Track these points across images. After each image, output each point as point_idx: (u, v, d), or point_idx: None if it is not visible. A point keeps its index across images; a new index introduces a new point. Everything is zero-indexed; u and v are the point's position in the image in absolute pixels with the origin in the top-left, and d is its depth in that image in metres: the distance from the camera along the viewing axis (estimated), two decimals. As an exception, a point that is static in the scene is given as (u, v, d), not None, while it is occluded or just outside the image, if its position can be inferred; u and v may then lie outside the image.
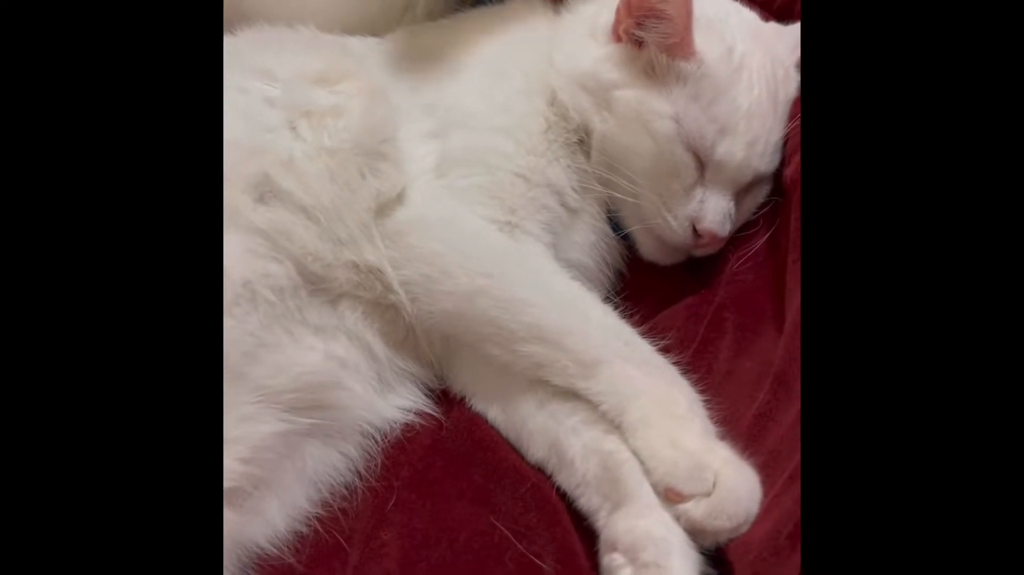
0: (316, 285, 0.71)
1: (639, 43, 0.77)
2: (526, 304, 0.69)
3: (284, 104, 0.75)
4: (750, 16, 0.84)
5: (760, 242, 0.77)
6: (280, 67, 0.77)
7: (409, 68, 0.82)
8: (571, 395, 0.68)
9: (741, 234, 0.80)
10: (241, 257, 0.67)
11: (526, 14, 0.84)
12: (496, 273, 0.70)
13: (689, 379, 0.67)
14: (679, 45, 0.75)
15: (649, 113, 0.75)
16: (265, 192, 0.70)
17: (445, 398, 0.76)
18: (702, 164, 0.75)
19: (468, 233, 0.73)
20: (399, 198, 0.75)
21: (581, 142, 0.79)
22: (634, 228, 0.79)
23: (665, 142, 0.74)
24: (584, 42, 0.79)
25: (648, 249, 0.80)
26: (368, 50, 0.83)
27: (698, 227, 0.76)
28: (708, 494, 0.60)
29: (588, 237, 0.80)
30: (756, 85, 0.76)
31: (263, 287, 0.67)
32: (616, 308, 0.79)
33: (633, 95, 0.75)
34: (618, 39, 0.78)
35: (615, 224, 0.81)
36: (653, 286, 0.82)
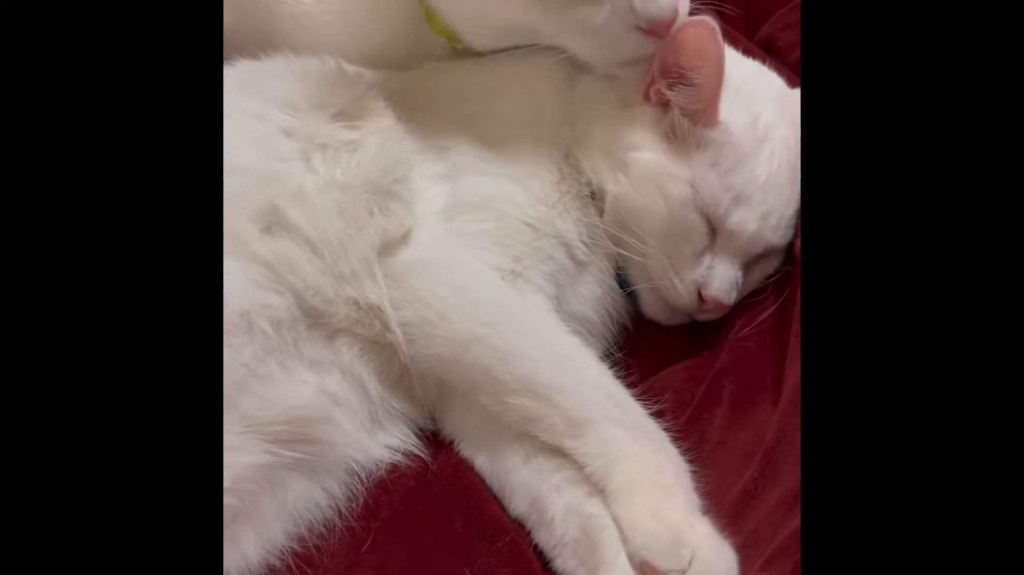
0: (315, 319, 0.71)
1: (664, 105, 0.77)
2: (521, 356, 0.69)
3: (301, 135, 0.76)
4: (777, 83, 0.83)
5: (767, 312, 0.76)
6: (301, 98, 0.78)
7: (427, 109, 0.83)
8: (558, 452, 0.67)
9: (749, 300, 0.79)
10: (242, 287, 0.67)
11: (547, 66, 0.83)
12: (494, 322, 0.70)
13: (680, 446, 0.67)
14: (705, 112, 0.75)
15: (666, 176, 0.74)
16: (273, 223, 0.70)
17: (435, 439, 0.76)
18: (714, 231, 0.75)
19: (471, 279, 0.73)
20: (405, 238, 0.75)
21: (593, 196, 0.79)
22: (640, 287, 0.78)
23: (679, 206, 0.74)
24: (604, 102, 0.79)
25: (651, 308, 0.80)
26: (389, 87, 0.84)
27: (703, 293, 0.75)
28: (683, 571, 0.59)
29: (594, 291, 0.80)
30: (777, 157, 0.76)
31: (261, 319, 0.67)
32: (616, 363, 0.79)
33: (651, 157, 0.75)
34: (646, 98, 0.78)
35: (622, 280, 0.81)
36: (655, 343, 0.81)
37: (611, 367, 0.79)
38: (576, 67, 0.80)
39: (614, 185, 0.77)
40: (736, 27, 1.05)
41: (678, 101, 0.75)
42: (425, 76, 0.87)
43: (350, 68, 0.85)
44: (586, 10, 0.73)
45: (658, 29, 0.74)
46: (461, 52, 0.87)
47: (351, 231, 0.72)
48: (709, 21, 0.74)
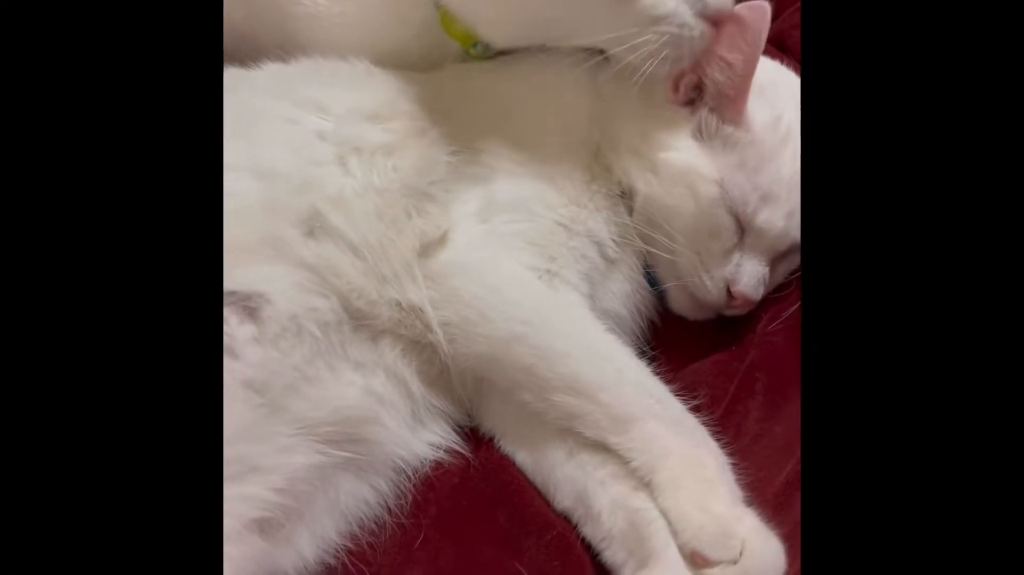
0: (359, 321, 0.72)
1: (691, 103, 0.79)
2: (562, 355, 0.70)
3: (335, 139, 0.77)
4: (797, 82, 0.85)
5: (793, 308, 0.79)
6: (333, 101, 0.79)
7: (457, 112, 0.84)
8: (601, 447, 0.69)
9: (773, 295, 0.82)
10: (289, 291, 0.68)
11: (571, 68, 0.84)
12: (534, 321, 0.72)
13: (718, 440, 0.69)
14: (732, 103, 0.77)
15: (695, 176, 0.76)
16: (315, 227, 0.72)
17: (474, 436, 0.78)
18: (742, 229, 0.77)
19: (508, 279, 0.75)
20: (442, 240, 0.76)
21: (623, 195, 0.81)
22: (669, 285, 0.80)
23: (708, 205, 0.76)
24: (630, 101, 0.81)
25: (680, 304, 0.82)
26: (420, 88, 0.85)
27: (732, 289, 0.78)
28: (735, 562, 0.61)
29: (624, 287, 0.82)
30: (799, 155, 0.78)
31: (309, 322, 0.69)
32: (647, 359, 0.81)
33: (679, 157, 0.77)
34: (675, 90, 0.79)
35: (650, 277, 0.83)
36: (684, 338, 0.83)
37: (643, 362, 0.82)
38: (598, 67, 0.81)
39: (644, 185, 0.79)
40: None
41: (711, 88, 0.77)
42: (451, 79, 0.88)
43: (377, 69, 0.86)
44: (639, 6, 0.72)
45: (719, 19, 0.75)
46: (474, 57, 0.88)
47: (391, 234, 0.74)
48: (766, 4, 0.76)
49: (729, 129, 0.77)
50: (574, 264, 0.78)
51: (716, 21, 0.75)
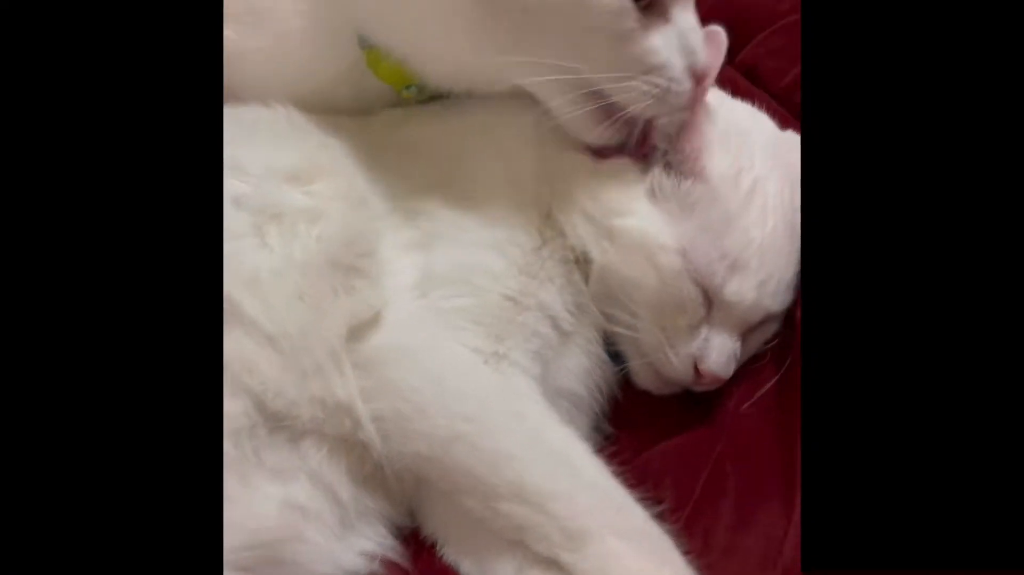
0: (277, 423, 0.63)
1: (644, 158, 0.71)
2: (509, 458, 0.62)
3: (252, 205, 0.67)
4: (769, 129, 0.77)
5: (767, 386, 0.71)
6: (250, 159, 0.70)
7: (391, 166, 0.75)
8: (553, 564, 0.62)
9: (747, 367, 0.74)
10: (193, 396, 0.60)
11: (517, 116, 0.75)
12: (478, 417, 0.64)
13: (684, 550, 0.61)
14: (687, 159, 0.69)
15: (653, 246, 0.68)
16: (226, 316, 0.63)
17: (415, 539, 0.69)
18: (710, 301, 0.69)
19: (450, 366, 0.66)
20: (374, 320, 0.67)
21: (578, 261, 0.73)
22: (631, 361, 0.72)
23: (671, 278, 0.68)
24: (579, 156, 0.72)
25: (644, 380, 0.74)
26: (348, 139, 0.76)
27: (700, 367, 0.70)
28: None
29: (581, 363, 0.73)
30: (771, 214, 0.70)
31: (216, 431, 0.60)
32: (606, 437, 0.74)
33: (636, 225, 0.69)
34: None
35: (611, 351, 0.75)
36: (648, 416, 0.75)
37: (602, 441, 0.74)
38: (544, 118, 0.71)
39: (600, 255, 0.71)
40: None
41: (659, 142, 0.70)
42: (383, 127, 0.79)
43: (300, 117, 0.76)
44: (655, 44, 0.66)
45: (701, 77, 0.70)
46: (407, 100, 0.79)
47: (314, 318, 0.65)
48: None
49: (687, 185, 0.69)
50: (524, 343, 0.69)
51: (700, 77, 0.69)
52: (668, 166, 0.70)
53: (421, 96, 0.78)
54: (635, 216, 0.69)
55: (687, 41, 0.68)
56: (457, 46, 0.70)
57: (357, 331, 0.66)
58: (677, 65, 0.67)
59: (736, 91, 0.84)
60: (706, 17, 1.00)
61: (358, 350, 0.66)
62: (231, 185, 0.68)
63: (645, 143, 0.71)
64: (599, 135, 0.70)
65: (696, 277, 0.68)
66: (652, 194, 0.70)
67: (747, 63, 0.96)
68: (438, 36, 0.70)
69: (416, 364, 0.66)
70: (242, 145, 0.71)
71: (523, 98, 0.72)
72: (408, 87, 0.77)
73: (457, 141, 0.76)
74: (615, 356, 0.74)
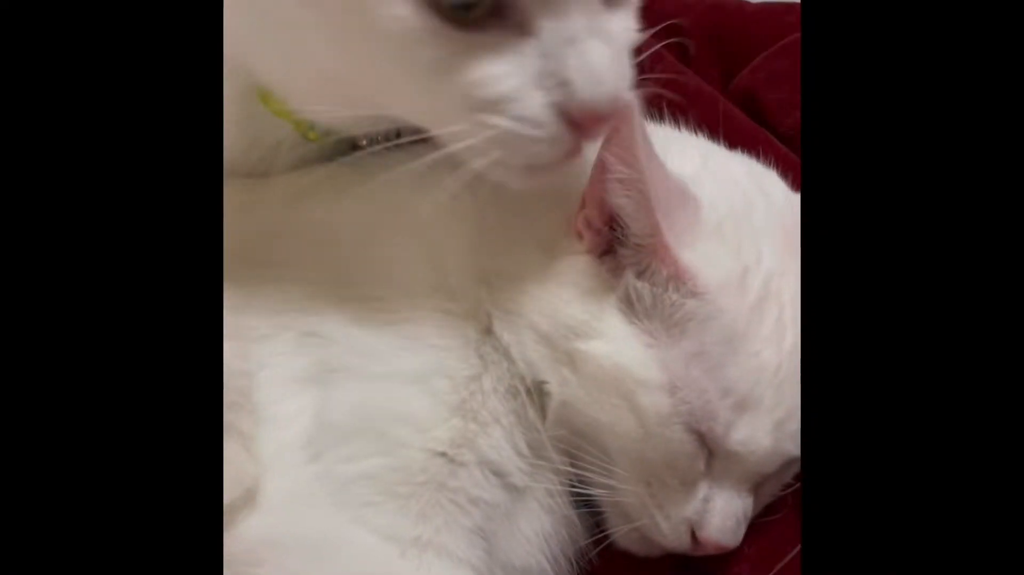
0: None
1: (609, 253, 0.52)
2: None
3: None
4: (775, 194, 0.58)
5: (789, 556, 0.53)
6: None
7: (278, 262, 0.56)
8: None
9: (760, 519, 0.56)
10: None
11: (444, 186, 0.56)
12: None
13: None
14: (660, 262, 0.50)
15: (630, 382, 0.49)
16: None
17: None
18: (710, 451, 0.51)
19: (348, 570, 0.48)
20: (248, 498, 0.49)
21: (530, 392, 0.54)
22: (612, 528, 0.54)
23: (656, 423, 0.49)
24: (530, 250, 0.54)
25: (626, 543, 0.55)
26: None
27: (699, 535, 0.51)
28: None
29: (538, 525, 0.54)
30: (789, 327, 0.51)
31: None
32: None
33: (606, 351, 0.50)
34: (576, 234, 0.53)
35: (576, 496, 0.56)
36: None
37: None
38: (479, 178, 0.51)
39: (560, 386, 0.52)
40: (706, 74, 0.80)
41: (625, 251, 0.51)
42: (277, 203, 0.59)
43: None
44: (488, 72, 0.46)
45: (588, 122, 0.47)
46: (315, 140, 0.60)
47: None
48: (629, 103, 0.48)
49: (672, 297, 0.50)
50: (459, 519, 0.51)
51: (585, 124, 0.47)
52: (642, 272, 0.51)
53: (327, 139, 0.59)
54: (604, 339, 0.50)
55: (557, 64, 0.46)
56: (281, 65, 0.53)
57: (228, 513, 0.48)
58: (529, 100, 0.46)
59: (730, 129, 0.65)
60: (696, 31, 0.81)
61: (228, 544, 0.47)
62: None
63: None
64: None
65: (690, 421, 0.49)
66: (627, 306, 0.51)
67: (745, 89, 0.77)
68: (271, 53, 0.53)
69: (299, 566, 0.47)
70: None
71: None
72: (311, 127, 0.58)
73: (364, 224, 0.57)
74: (584, 501, 0.56)
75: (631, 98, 0.48)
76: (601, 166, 0.50)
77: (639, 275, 0.51)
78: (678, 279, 0.50)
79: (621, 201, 0.50)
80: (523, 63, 0.46)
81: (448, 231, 0.55)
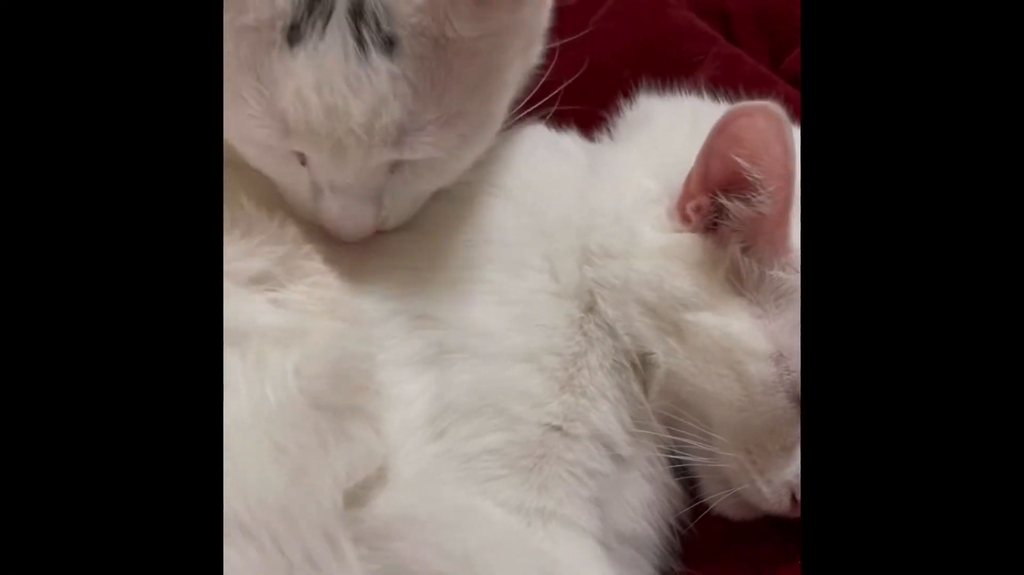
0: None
1: (713, 230, 0.54)
2: None
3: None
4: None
5: None
6: None
7: (384, 250, 0.58)
8: None
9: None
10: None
11: (554, 164, 0.59)
12: None
13: None
14: (770, 231, 0.53)
15: (739, 351, 0.52)
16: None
17: None
18: (811, 418, 0.53)
19: (481, 537, 0.50)
20: (379, 476, 0.51)
21: (635, 366, 0.56)
22: (711, 494, 0.57)
23: (761, 392, 0.52)
24: (636, 225, 0.56)
25: (725, 509, 0.58)
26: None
27: (799, 496, 0.54)
28: None
29: (643, 494, 0.57)
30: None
31: None
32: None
33: (714, 323, 0.53)
34: (683, 218, 0.55)
35: (675, 465, 0.59)
36: (726, 549, 0.60)
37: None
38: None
39: (666, 356, 0.55)
40: (755, 57, 0.82)
41: (733, 226, 0.54)
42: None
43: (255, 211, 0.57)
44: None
45: None
46: None
47: (298, 485, 0.48)
48: (773, 108, 0.51)
49: (778, 273, 0.53)
50: (579, 490, 0.53)
51: None
52: (748, 248, 0.53)
53: None
54: (712, 310, 0.53)
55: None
56: None
57: (356, 494, 0.50)
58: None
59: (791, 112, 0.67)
60: (743, 13, 0.83)
61: (360, 519, 0.50)
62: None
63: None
64: None
65: (794, 390, 0.52)
66: (732, 280, 0.54)
67: (797, 72, 0.79)
68: None
69: (435, 538, 0.49)
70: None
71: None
72: None
73: (466, 207, 0.59)
74: (681, 469, 0.59)
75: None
76: (721, 153, 0.52)
77: (744, 251, 0.53)
78: (786, 256, 0.52)
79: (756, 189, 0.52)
80: None
81: (555, 206, 0.58)
